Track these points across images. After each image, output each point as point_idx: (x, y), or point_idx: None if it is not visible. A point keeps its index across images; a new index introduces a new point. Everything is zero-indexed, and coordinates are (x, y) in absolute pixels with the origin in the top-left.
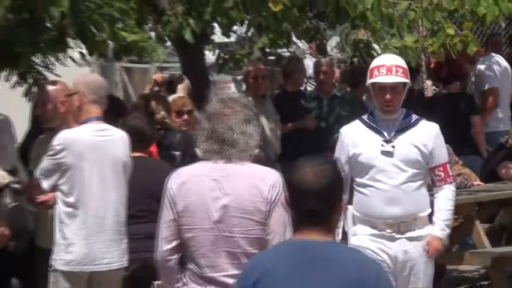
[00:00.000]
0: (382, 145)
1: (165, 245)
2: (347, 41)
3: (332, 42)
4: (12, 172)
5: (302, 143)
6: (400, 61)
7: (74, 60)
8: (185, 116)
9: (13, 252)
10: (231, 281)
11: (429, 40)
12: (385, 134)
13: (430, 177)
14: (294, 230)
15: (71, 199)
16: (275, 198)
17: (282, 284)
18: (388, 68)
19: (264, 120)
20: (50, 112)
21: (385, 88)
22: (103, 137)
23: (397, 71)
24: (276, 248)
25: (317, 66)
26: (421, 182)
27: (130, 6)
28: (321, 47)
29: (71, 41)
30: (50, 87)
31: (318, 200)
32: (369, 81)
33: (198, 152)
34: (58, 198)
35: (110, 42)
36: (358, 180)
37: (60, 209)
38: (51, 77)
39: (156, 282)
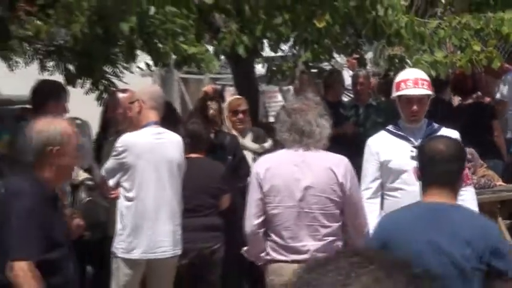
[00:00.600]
0: (412, 151)
1: (254, 220)
2: (381, 56)
3: (367, 57)
4: (88, 170)
5: (341, 147)
6: (423, 75)
7: (141, 69)
8: (240, 115)
9: (87, 241)
10: (310, 249)
11: (457, 56)
12: (413, 140)
13: None
14: (423, 193)
15: (130, 194)
16: (349, 179)
17: (409, 240)
18: (414, 81)
19: None
20: (119, 116)
21: (412, 100)
22: (159, 139)
23: (422, 84)
24: (403, 210)
25: (355, 78)
26: None
27: (190, 23)
28: (361, 60)
29: (138, 53)
30: (120, 95)
31: (447, 164)
32: (395, 94)
33: (280, 140)
34: (120, 194)
35: (172, 54)
36: (389, 185)
37: (122, 203)
38: (119, 85)
39: (244, 249)
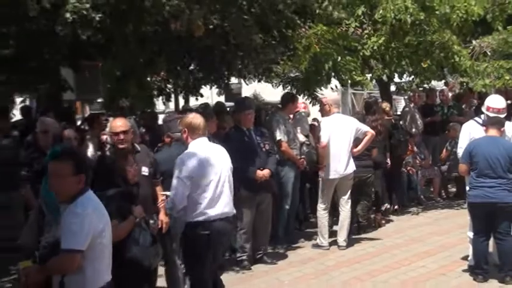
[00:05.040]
0: None
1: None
2: (456, 80)
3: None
4: (306, 136)
5: (432, 128)
6: (502, 104)
7: (332, 88)
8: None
9: (307, 172)
10: None
11: (497, 81)
12: None
13: None
14: (485, 132)
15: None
16: None
17: (483, 149)
18: (496, 110)
19: (417, 115)
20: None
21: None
22: (342, 120)
23: (502, 111)
24: (479, 139)
25: (442, 91)
26: None
27: (357, 65)
28: (445, 83)
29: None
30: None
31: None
32: (485, 111)
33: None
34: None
35: (348, 80)
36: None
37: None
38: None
39: None
